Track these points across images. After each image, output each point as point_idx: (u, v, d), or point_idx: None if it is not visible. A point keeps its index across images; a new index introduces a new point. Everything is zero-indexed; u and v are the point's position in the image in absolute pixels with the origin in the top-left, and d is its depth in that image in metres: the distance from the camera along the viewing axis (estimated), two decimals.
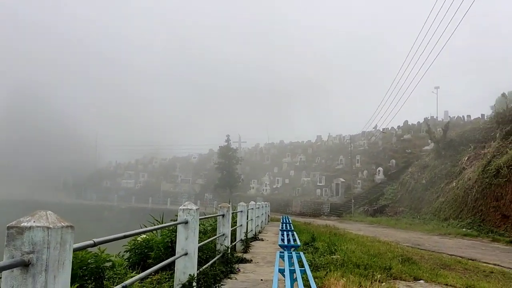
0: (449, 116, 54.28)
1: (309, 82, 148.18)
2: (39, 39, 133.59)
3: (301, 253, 6.24)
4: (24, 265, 1.55)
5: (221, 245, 6.90)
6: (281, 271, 4.88)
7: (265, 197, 50.94)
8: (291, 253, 6.29)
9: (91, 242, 2.14)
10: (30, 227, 1.59)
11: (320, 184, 48.30)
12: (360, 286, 5.44)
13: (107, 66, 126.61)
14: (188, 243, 4.31)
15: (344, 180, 45.44)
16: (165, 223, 10.60)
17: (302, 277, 4.66)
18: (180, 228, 4.31)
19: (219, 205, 7.22)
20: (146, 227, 9.69)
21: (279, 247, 10.53)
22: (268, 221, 23.43)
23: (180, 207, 4.43)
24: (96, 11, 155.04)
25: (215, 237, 6.74)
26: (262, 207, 17.44)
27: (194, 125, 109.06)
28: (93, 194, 64.88)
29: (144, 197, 58.19)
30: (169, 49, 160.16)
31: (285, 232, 10.22)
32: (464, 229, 24.72)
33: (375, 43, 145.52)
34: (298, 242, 8.01)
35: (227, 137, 47.55)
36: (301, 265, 5.59)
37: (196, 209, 4.41)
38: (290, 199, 48.38)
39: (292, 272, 4.86)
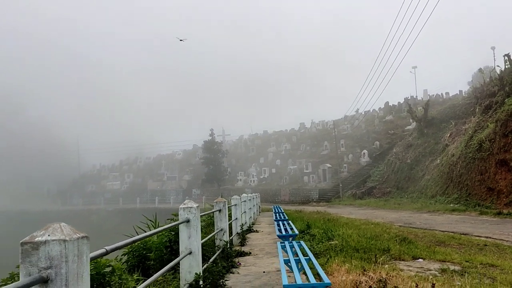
0: (428, 95, 55.02)
1: (289, 70, 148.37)
2: (14, 42, 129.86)
3: (301, 242, 6.23)
4: (43, 282, 1.46)
5: (220, 240, 6.84)
6: (286, 262, 4.84)
7: (253, 188, 50.97)
8: (291, 242, 6.27)
9: (103, 250, 2.05)
10: (46, 241, 1.50)
11: (307, 171, 48.56)
12: (364, 269, 5.45)
13: (85, 66, 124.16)
14: (191, 241, 4.23)
15: (330, 166, 45.80)
16: (158, 222, 10.51)
17: (309, 266, 4.64)
18: (182, 227, 4.23)
19: (214, 200, 7.14)
20: (140, 228, 9.58)
21: (275, 238, 10.55)
22: (260, 212, 23.47)
23: (181, 206, 4.35)
24: (72, 11, 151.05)
25: (214, 232, 6.67)
26: (253, 198, 17.42)
27: (177, 122, 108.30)
28: (79, 199, 63.96)
29: (132, 198, 57.62)
30: (148, 44, 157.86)
31: (280, 222, 10.22)
32: (451, 205, 25.22)
33: (354, 27, 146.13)
34: (296, 231, 8.01)
35: (211, 131, 47.40)
36: (303, 253, 5.58)
37: (197, 206, 4.34)
38: (278, 188, 48.54)
39: (297, 261, 4.84)
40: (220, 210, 6.96)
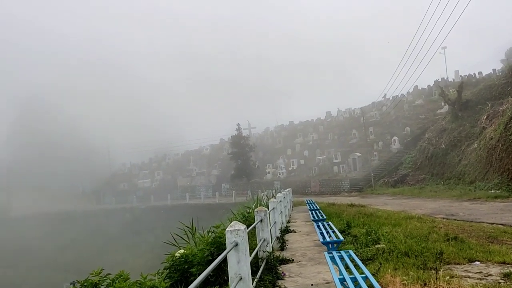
0: (460, 76, 53.03)
1: (311, 60, 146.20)
2: (47, 47, 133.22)
3: (351, 252, 5.84)
4: None
5: (264, 252, 6.54)
6: (341, 281, 4.48)
7: (282, 181, 50.70)
8: (339, 252, 5.90)
9: None
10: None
11: (336, 161, 47.80)
12: (424, 283, 5.03)
13: (112, 66, 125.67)
14: (241, 266, 3.93)
15: (360, 154, 44.91)
16: (195, 228, 10.29)
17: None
18: (230, 252, 3.92)
19: (255, 210, 6.83)
20: (178, 235, 9.38)
21: (315, 240, 10.19)
22: (292, 207, 23.13)
23: (227, 229, 4.04)
24: (94, 17, 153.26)
25: (258, 246, 6.36)
26: (286, 195, 17.06)
27: (202, 116, 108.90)
28: (112, 198, 65.25)
29: (163, 195, 58.24)
30: (171, 45, 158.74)
31: (320, 224, 9.83)
32: (492, 191, 24.15)
33: (378, 13, 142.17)
34: (340, 236, 7.62)
35: (237, 126, 47.14)
36: (355, 266, 5.21)
37: (244, 228, 4.02)
38: (307, 180, 48.02)
39: (353, 280, 4.47)
40: (261, 220, 6.64)
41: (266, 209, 6.93)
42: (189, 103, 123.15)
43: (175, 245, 9.25)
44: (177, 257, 6.77)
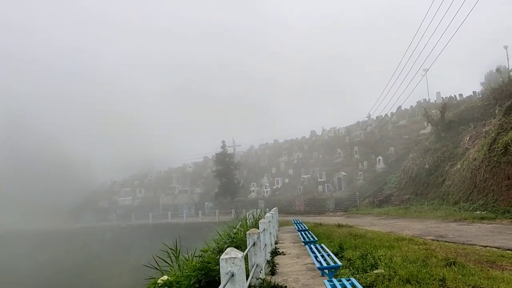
0: (442, 97, 53.86)
1: (295, 78, 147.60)
2: (24, 66, 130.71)
3: (354, 281, 5.37)
4: None
5: (257, 279, 6.00)
6: None
7: (267, 199, 50.07)
8: (340, 281, 5.42)
9: None
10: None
11: (321, 180, 47.54)
12: None
13: (92, 81, 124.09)
14: None
15: (345, 174, 44.77)
16: (179, 250, 9.66)
17: None
18: (228, 284, 3.41)
19: (247, 232, 6.32)
20: (160, 258, 8.74)
21: (307, 263, 9.69)
22: (279, 227, 22.56)
23: (222, 257, 3.54)
24: (75, 31, 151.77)
25: (251, 274, 5.82)
26: (274, 214, 16.55)
27: (186, 134, 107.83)
28: (91, 216, 63.36)
29: (144, 213, 56.79)
30: (156, 60, 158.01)
31: (312, 246, 9.33)
32: (478, 212, 24.05)
33: (366, 33, 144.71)
34: (338, 261, 7.13)
35: (222, 143, 46.58)
36: None
37: (242, 256, 3.52)
38: (292, 199, 47.54)
39: None
40: (254, 244, 6.13)
41: (259, 231, 6.42)
42: (173, 120, 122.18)
43: (157, 269, 8.62)
44: (159, 285, 6.19)
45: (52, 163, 73.73)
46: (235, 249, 3.66)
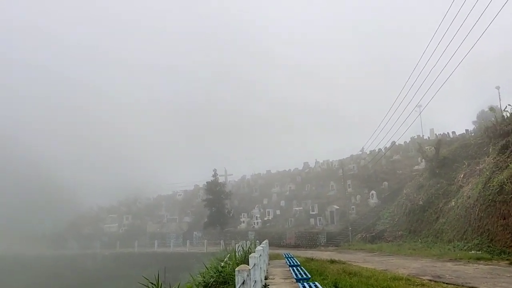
0: (435, 134, 54.02)
1: (290, 109, 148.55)
2: (8, 84, 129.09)
3: None
4: None
5: None
6: None
7: (257, 231, 49.00)
8: None
9: None
10: None
11: (313, 212, 46.72)
12: None
13: (82, 106, 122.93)
14: None
15: (338, 207, 44.07)
16: (161, 284, 8.92)
17: None
18: None
19: (236, 269, 5.68)
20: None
21: None
22: (269, 261, 21.68)
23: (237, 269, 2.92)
24: (63, 34, 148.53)
25: None
26: (265, 248, 15.80)
27: (177, 161, 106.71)
28: (74, 243, 61.40)
29: (129, 241, 55.21)
30: (148, 85, 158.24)
31: (305, 284, 8.65)
32: (473, 252, 23.44)
33: (362, 69, 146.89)
34: None
35: (214, 172, 45.82)
36: None
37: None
38: (283, 231, 46.56)
39: None
40: (244, 282, 5.49)
41: (249, 268, 5.79)
42: (164, 147, 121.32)
43: None
44: None
45: (36, 186, 72.19)
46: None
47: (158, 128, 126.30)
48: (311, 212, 47.07)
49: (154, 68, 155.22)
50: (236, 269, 5.74)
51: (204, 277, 12.08)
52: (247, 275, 5.59)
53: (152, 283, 8.05)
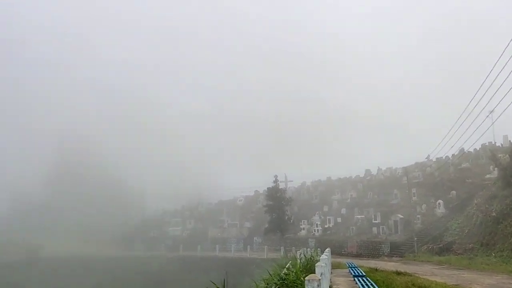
0: (509, 141, 50.43)
1: (351, 115, 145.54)
2: (80, 89, 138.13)
3: None
4: None
5: None
6: None
7: (317, 238, 48.49)
8: None
9: None
10: None
11: (376, 221, 45.34)
12: None
13: (150, 112, 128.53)
14: None
15: (402, 216, 42.44)
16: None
17: None
18: None
19: (306, 278, 5.76)
20: None
21: None
22: (331, 270, 21.41)
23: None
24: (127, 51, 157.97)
25: None
26: (329, 256, 15.64)
27: (238, 167, 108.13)
28: (141, 245, 64.33)
29: (192, 245, 56.95)
30: (211, 89, 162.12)
31: None
32: None
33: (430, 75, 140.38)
34: None
35: (274, 178, 45.98)
36: None
37: None
38: (344, 239, 45.65)
39: None
40: None
41: (319, 277, 5.83)
42: (226, 153, 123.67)
43: None
44: None
45: (106, 191, 76.35)
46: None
47: (221, 135, 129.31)
48: (373, 221, 45.74)
49: (214, 71, 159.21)
50: (307, 278, 5.81)
51: (267, 284, 12.17)
52: (318, 285, 5.65)
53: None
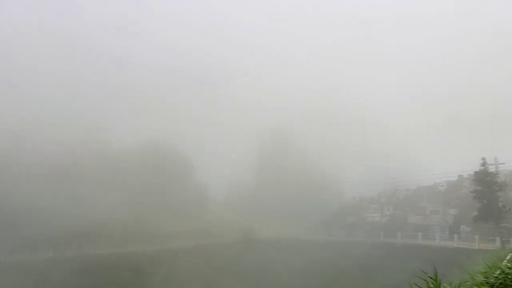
0: None
1: None
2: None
3: None
4: None
5: None
6: None
7: None
8: None
9: None
10: None
11: None
12: None
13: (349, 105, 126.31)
14: None
15: None
16: (439, 282, 8.94)
17: None
18: None
19: None
20: None
21: None
22: None
23: None
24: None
25: None
26: None
27: (436, 151, 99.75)
28: (339, 230, 66.08)
29: (392, 231, 55.76)
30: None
31: None
32: None
33: None
34: None
35: (482, 161, 40.99)
36: None
37: None
38: None
39: None
40: None
41: None
42: (422, 136, 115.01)
43: None
44: None
45: (305, 179, 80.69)
46: None
47: (415, 118, 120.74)
48: None
49: None
50: None
51: (487, 277, 11.38)
52: None
53: (431, 278, 8.25)
